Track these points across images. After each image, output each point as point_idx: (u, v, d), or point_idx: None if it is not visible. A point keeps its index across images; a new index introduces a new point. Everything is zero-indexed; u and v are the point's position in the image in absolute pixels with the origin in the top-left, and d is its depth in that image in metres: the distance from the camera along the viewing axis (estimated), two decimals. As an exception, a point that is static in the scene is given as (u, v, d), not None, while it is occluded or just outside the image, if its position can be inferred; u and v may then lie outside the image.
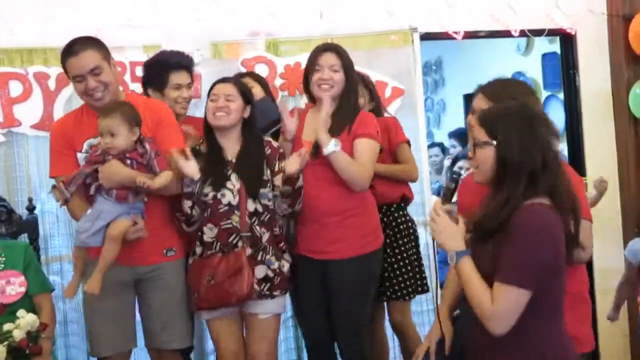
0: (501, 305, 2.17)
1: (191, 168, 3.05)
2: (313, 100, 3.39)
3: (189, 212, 3.12)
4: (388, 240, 3.69)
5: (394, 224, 3.76)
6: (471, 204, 2.46)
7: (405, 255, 3.74)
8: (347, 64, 3.32)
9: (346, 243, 3.26)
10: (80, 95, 3.10)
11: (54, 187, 3.04)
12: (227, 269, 3.05)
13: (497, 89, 2.69)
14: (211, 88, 3.26)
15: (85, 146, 3.07)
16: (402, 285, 3.73)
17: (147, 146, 3.02)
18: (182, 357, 3.38)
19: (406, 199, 3.86)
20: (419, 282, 3.80)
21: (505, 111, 2.36)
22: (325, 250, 3.27)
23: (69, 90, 4.07)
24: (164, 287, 3.14)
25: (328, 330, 3.34)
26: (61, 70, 4.01)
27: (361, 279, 3.29)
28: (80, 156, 3.07)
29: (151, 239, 3.07)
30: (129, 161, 2.99)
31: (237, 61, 4.33)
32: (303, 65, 3.50)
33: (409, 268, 3.74)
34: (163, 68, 3.39)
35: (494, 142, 2.26)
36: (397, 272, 3.72)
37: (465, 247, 2.31)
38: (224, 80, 3.29)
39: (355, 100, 3.39)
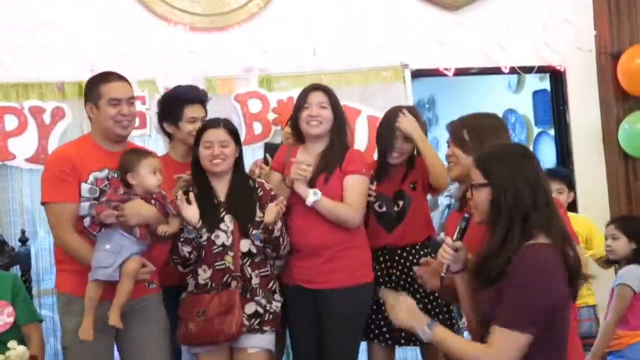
0: (501, 350, 2.14)
1: (192, 213, 3.08)
2: (300, 137, 3.44)
3: (188, 256, 3.12)
4: (420, 280, 3.63)
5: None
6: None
7: (437, 294, 3.59)
8: (334, 102, 3.40)
9: (338, 274, 3.29)
10: (108, 119, 3.08)
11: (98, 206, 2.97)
12: (220, 305, 3.05)
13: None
14: (201, 132, 3.24)
15: (90, 178, 3.06)
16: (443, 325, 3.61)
17: (164, 191, 3.09)
18: None
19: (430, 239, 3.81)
20: (453, 321, 3.66)
21: (499, 152, 2.40)
22: (318, 280, 3.29)
23: (64, 124, 4.13)
24: (146, 322, 3.12)
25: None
26: (57, 104, 4.12)
27: (352, 309, 3.31)
28: (85, 187, 3.04)
29: None
30: (153, 201, 3.04)
31: (230, 96, 4.39)
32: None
33: (444, 309, 3.61)
34: (178, 102, 3.45)
35: (489, 184, 2.30)
36: (432, 313, 3.56)
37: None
38: (213, 125, 3.25)
39: (344, 137, 3.44)
